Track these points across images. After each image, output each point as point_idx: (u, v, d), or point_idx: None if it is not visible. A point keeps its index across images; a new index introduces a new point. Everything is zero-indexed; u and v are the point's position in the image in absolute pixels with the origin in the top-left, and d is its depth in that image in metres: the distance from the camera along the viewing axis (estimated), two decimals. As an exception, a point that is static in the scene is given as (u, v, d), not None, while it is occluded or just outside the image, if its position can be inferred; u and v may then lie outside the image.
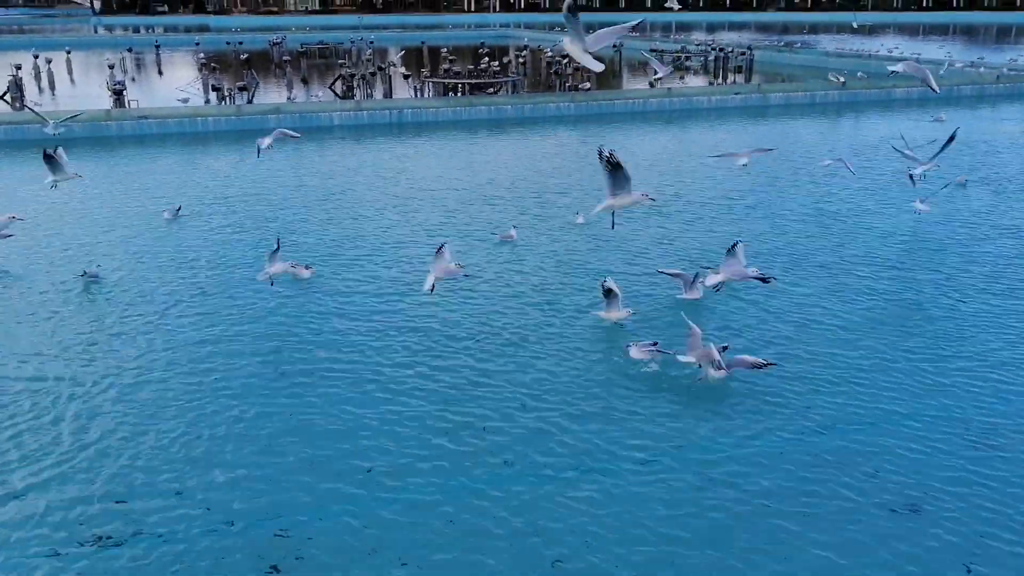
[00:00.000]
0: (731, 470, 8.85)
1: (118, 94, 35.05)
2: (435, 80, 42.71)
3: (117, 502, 8.34)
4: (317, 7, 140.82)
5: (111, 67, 43.70)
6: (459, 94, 40.37)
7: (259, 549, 7.68)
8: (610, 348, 11.63)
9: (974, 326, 12.45)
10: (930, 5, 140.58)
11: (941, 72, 44.29)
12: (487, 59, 49.19)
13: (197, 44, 65.97)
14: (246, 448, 9.31)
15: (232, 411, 10.08)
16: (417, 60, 58.85)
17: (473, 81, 42.60)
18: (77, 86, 46.03)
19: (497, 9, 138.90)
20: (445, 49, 57.47)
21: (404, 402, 10.27)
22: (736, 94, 37.92)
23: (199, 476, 8.78)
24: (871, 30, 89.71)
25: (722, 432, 9.61)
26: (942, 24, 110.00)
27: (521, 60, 54.94)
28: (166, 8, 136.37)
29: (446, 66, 46.20)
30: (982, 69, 45.06)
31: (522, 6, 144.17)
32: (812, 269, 14.88)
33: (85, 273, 14.51)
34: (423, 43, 72.06)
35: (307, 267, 14.56)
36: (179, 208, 18.46)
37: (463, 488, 8.59)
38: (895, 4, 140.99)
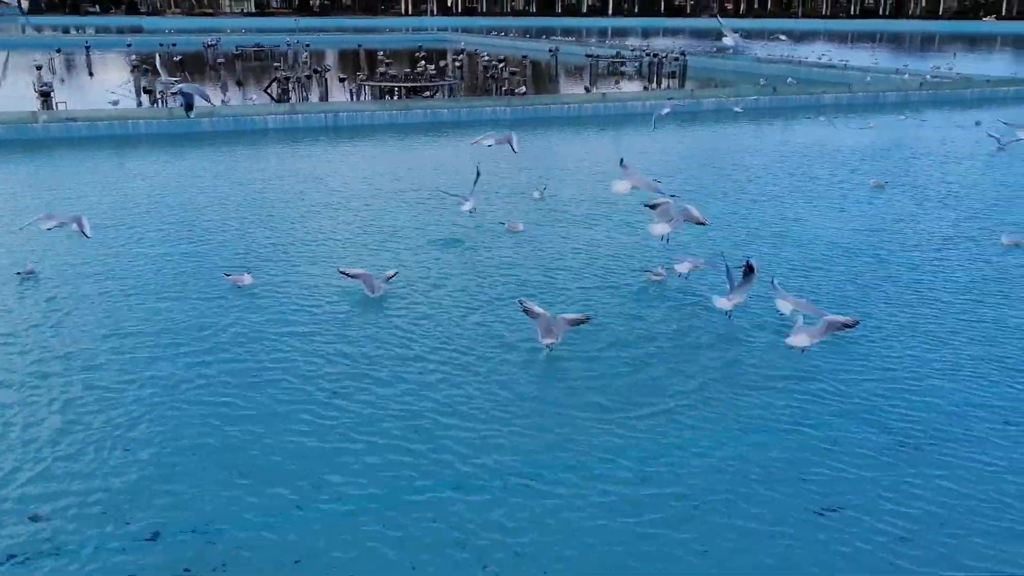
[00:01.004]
0: (660, 477, 8.97)
1: (45, 95, 34.25)
2: (371, 83, 42.54)
3: (30, 518, 8.16)
4: (253, 9, 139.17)
5: (39, 68, 42.63)
6: (395, 97, 40.28)
7: (184, 562, 7.61)
8: (538, 355, 11.74)
9: (893, 331, 12.82)
10: (857, 13, 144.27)
11: (868, 79, 45.57)
12: (424, 63, 49.20)
13: (129, 45, 64.77)
14: (170, 458, 9.17)
15: (155, 419, 9.91)
16: (354, 63, 58.54)
17: (410, 84, 42.55)
18: (3, 87, 44.80)
19: (435, 13, 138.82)
20: (382, 52, 57.21)
21: (336, 411, 10.23)
22: (670, 99, 38.43)
23: (119, 488, 8.61)
24: (801, 37, 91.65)
25: (650, 440, 9.72)
26: (870, 32, 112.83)
27: (458, 64, 55.18)
28: (97, 8, 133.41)
29: (383, 69, 46.06)
30: (906, 76, 46.46)
31: (459, 10, 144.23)
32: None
33: (21, 272, 14.54)
34: (360, 46, 71.77)
35: (248, 273, 14.42)
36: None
37: (393, 499, 8.57)
38: (824, 12, 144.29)
